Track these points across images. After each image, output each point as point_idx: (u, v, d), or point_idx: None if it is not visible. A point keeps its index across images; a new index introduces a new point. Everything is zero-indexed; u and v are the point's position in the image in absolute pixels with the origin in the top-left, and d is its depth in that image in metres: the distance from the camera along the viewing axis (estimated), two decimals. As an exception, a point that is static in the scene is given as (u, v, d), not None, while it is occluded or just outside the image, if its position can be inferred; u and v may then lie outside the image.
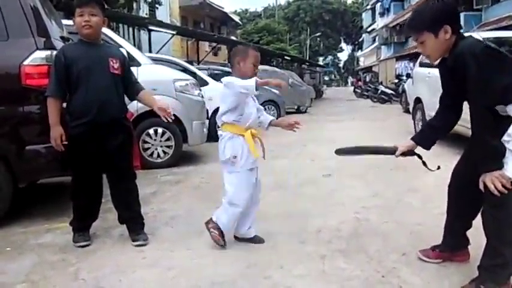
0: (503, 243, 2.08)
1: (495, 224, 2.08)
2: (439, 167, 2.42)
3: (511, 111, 1.98)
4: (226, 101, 2.65)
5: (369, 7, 44.91)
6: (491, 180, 1.97)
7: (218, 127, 2.80)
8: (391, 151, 2.44)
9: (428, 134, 2.46)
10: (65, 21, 4.55)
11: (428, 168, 2.43)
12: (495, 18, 17.30)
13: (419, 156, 2.44)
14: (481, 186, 2.03)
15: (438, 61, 2.29)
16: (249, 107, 2.69)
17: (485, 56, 1.97)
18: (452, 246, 2.48)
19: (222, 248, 2.72)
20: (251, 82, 2.52)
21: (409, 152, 2.42)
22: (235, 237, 2.85)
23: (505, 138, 1.96)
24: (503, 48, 2.25)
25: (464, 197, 2.32)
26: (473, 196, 2.17)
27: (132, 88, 2.90)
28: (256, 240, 2.84)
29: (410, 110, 8.68)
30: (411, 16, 2.25)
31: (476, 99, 2.02)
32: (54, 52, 2.98)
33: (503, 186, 1.94)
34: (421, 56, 8.48)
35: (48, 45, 3.15)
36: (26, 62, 3.04)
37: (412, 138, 2.45)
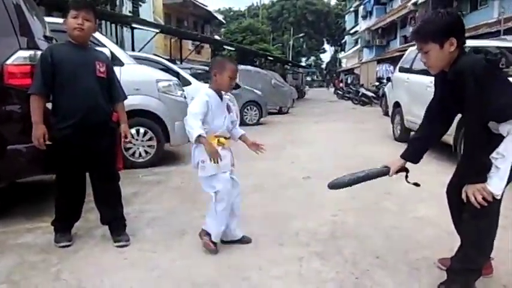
0: (479, 251, 2.19)
1: (474, 233, 2.16)
2: (418, 184, 2.48)
3: (503, 130, 2.07)
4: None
5: (352, 9, 45.38)
6: (472, 192, 2.06)
7: None
8: (384, 172, 2.49)
9: (416, 149, 2.50)
10: (48, 19, 4.54)
11: (407, 181, 2.49)
12: (472, 25, 17.74)
13: (407, 172, 2.49)
14: (463, 196, 2.11)
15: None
16: (218, 119, 2.76)
17: (486, 76, 2.02)
18: None
19: (212, 252, 2.74)
20: (194, 134, 2.58)
21: (401, 169, 2.47)
22: (223, 242, 2.86)
23: (493, 155, 2.06)
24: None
25: (458, 207, 2.32)
26: (459, 204, 2.23)
27: (112, 93, 2.92)
28: (244, 240, 2.91)
29: (390, 113, 8.86)
30: (419, 25, 2.25)
31: (472, 116, 2.06)
32: (38, 52, 2.99)
33: (483, 198, 2.03)
34: (401, 60, 8.66)
35: (32, 45, 3.15)
36: (8, 62, 3.03)
37: (402, 156, 2.50)
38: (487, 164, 2.06)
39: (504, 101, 2.05)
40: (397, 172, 2.47)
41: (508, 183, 2.09)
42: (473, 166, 2.10)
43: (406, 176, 2.49)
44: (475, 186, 2.06)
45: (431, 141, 2.51)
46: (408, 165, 2.48)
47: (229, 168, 2.81)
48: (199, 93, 2.80)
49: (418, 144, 2.52)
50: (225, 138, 2.83)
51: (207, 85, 2.93)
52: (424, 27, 2.19)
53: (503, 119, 2.07)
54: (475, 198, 2.05)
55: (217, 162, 2.64)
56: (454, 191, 2.38)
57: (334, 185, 2.57)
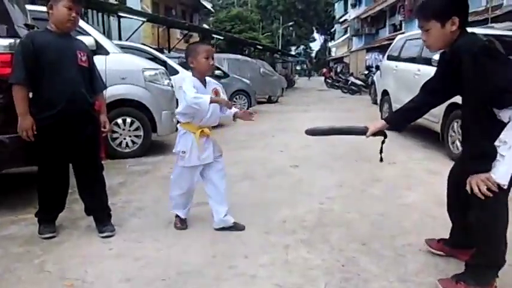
0: (488, 244, 2.07)
1: (481, 225, 2.05)
2: (381, 159, 2.51)
3: (504, 116, 1.97)
4: (182, 104, 2.73)
5: (341, -2, 45.21)
6: (476, 183, 1.96)
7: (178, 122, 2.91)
8: (361, 131, 2.44)
9: (402, 117, 2.46)
10: (29, 7, 4.45)
11: (380, 153, 2.49)
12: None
13: (385, 136, 2.44)
14: (468, 188, 2.01)
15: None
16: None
17: (483, 55, 1.93)
18: (454, 242, 2.48)
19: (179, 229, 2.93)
20: (206, 100, 2.62)
21: (379, 132, 2.42)
22: (216, 230, 2.91)
23: (496, 143, 1.95)
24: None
25: (458, 196, 2.29)
26: (465, 195, 2.08)
27: (93, 83, 2.88)
28: (237, 227, 2.93)
29: (378, 101, 8.89)
30: (422, 3, 2.22)
31: (469, 98, 1.99)
32: (18, 40, 2.92)
33: (488, 189, 1.93)
34: (389, 48, 8.66)
35: (12, 33, 3.07)
36: (-13, 51, 2.95)
37: (384, 119, 2.47)
38: (490, 152, 1.94)
39: (504, 85, 1.95)
40: (374, 135, 2.42)
41: None
42: (474, 153, 2.00)
43: (383, 142, 2.46)
44: (478, 176, 1.95)
45: (419, 111, 2.46)
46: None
47: (211, 159, 2.86)
48: (185, 79, 2.79)
49: (405, 112, 2.46)
50: (209, 128, 2.85)
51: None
52: (426, 5, 2.16)
53: (506, 104, 1.96)
54: (479, 189, 1.95)
55: (231, 108, 2.85)
56: (454, 179, 2.34)
57: (312, 132, 2.58)
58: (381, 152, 2.50)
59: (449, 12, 2.06)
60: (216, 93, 2.86)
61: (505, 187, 1.97)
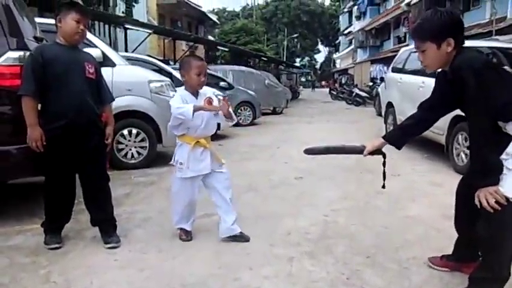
0: (493, 258, 2.08)
1: (488, 237, 2.05)
2: (384, 186, 2.50)
3: (510, 129, 1.98)
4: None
5: (346, 10, 45.50)
6: (484, 196, 1.96)
7: None
8: (359, 150, 2.45)
9: (400, 134, 2.47)
10: (38, 19, 4.52)
11: (383, 172, 2.46)
12: (465, 26, 17.78)
13: (384, 156, 2.44)
14: (476, 201, 2.01)
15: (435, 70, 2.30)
16: (196, 119, 2.78)
17: (485, 70, 1.95)
18: (459, 256, 2.46)
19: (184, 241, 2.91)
20: (188, 108, 2.68)
21: (377, 151, 2.42)
22: (221, 241, 2.93)
23: (503, 156, 1.95)
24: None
25: (466, 209, 2.27)
26: (473, 208, 2.07)
27: (100, 95, 2.93)
28: (242, 238, 2.94)
29: (383, 113, 8.89)
30: (418, 23, 2.23)
31: (475, 113, 1.99)
32: (27, 53, 2.97)
33: (496, 202, 1.93)
34: (394, 61, 8.70)
35: (21, 46, 3.12)
36: (-2, 62, 3.01)
37: (383, 137, 2.46)
38: (497, 165, 1.94)
39: (509, 99, 1.96)
40: (372, 154, 2.41)
41: None
42: (481, 167, 2.01)
43: (384, 164, 2.44)
44: (487, 189, 1.96)
45: (418, 128, 2.46)
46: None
47: (208, 169, 2.88)
48: (174, 94, 2.89)
49: (404, 129, 2.48)
50: (205, 138, 2.88)
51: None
52: (422, 26, 2.17)
53: (510, 117, 1.98)
54: (488, 203, 1.94)
55: (218, 110, 2.80)
56: (463, 191, 2.33)
57: (310, 151, 2.62)
58: (384, 177, 2.47)
59: (444, 34, 2.08)
60: (209, 102, 2.85)
61: None
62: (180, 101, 2.77)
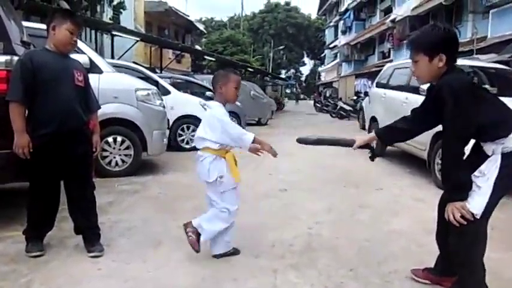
0: (466, 274, 2.17)
1: (458, 251, 2.15)
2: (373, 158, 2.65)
3: (488, 149, 2.09)
4: (216, 133, 2.71)
5: (332, 24, 46.04)
6: (451, 210, 2.07)
7: (198, 149, 2.82)
8: (349, 143, 2.60)
9: (391, 131, 2.56)
10: (25, 24, 4.48)
11: (370, 158, 2.63)
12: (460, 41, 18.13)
13: (372, 149, 2.59)
14: (446, 215, 2.12)
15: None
16: None
17: (463, 91, 2.02)
18: (441, 269, 2.51)
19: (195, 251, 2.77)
20: (249, 138, 2.69)
21: (366, 145, 2.57)
22: (214, 256, 2.86)
23: (476, 173, 2.06)
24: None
25: (445, 223, 2.29)
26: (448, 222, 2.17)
27: (87, 103, 2.92)
28: (234, 252, 2.93)
29: (366, 127, 9.02)
30: (415, 34, 2.31)
31: (449, 133, 2.08)
32: (15, 57, 2.95)
33: (462, 217, 2.04)
34: (378, 76, 8.85)
35: (8, 50, 3.10)
36: (-16, 67, 2.97)
37: (375, 131, 2.58)
38: (465, 182, 2.06)
39: (487, 121, 2.06)
40: (361, 147, 2.56)
41: (493, 202, 2.06)
42: (450, 184, 2.12)
43: (372, 155, 2.61)
44: (454, 204, 2.08)
45: (407, 134, 2.57)
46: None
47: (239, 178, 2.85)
48: (215, 108, 2.78)
49: (393, 128, 2.55)
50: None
51: (215, 101, 2.87)
52: (418, 38, 2.25)
53: (487, 139, 2.08)
54: (454, 217, 2.06)
55: (275, 155, 2.81)
56: (444, 206, 2.35)
57: (302, 140, 2.73)
58: (372, 152, 2.62)
59: (438, 49, 2.14)
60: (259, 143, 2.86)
61: (478, 216, 2.06)
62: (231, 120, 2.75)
